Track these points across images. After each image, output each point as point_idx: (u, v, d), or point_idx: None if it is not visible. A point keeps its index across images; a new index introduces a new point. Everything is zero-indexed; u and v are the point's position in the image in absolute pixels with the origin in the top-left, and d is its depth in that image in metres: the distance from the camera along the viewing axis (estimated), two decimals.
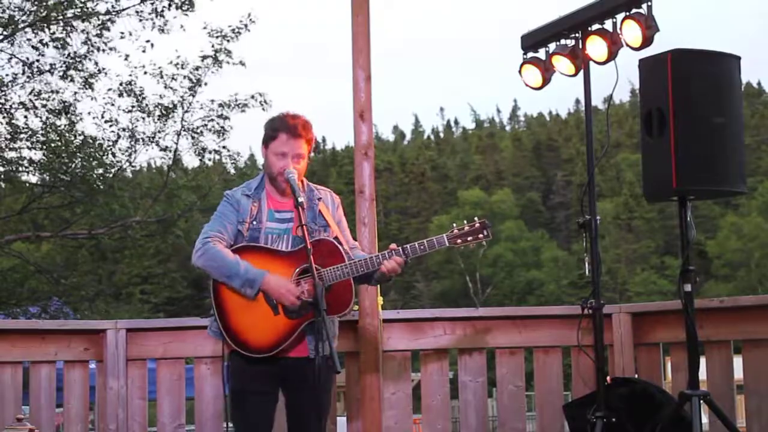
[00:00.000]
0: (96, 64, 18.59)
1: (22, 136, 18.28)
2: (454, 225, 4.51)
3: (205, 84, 19.04)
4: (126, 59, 18.67)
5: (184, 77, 18.96)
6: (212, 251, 4.44)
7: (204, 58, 18.99)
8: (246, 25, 19.23)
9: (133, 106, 18.85)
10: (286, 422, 4.64)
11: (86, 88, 18.48)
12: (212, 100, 19.33)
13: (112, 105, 18.86)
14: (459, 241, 4.48)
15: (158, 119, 18.96)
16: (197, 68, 18.97)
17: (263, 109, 19.53)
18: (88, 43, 18.39)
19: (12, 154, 18.53)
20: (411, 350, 5.88)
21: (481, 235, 4.48)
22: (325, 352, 4.15)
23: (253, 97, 19.47)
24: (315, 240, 4.44)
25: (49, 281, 19.86)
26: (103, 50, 18.52)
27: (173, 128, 19.17)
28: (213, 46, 19.04)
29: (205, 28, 19.10)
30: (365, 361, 5.67)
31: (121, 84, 18.74)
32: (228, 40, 19.11)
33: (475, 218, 4.54)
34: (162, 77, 18.87)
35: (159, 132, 19.10)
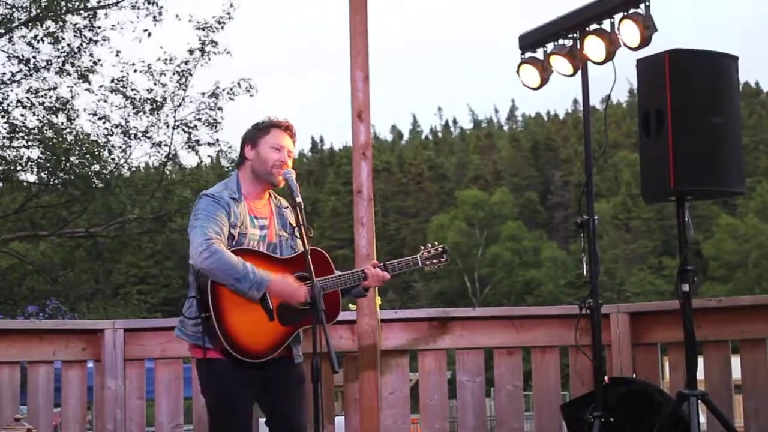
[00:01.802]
0: (91, 56, 18.65)
1: (19, 134, 18.29)
2: (422, 247, 4.80)
3: (191, 75, 19.07)
4: (117, 55, 18.75)
5: (174, 72, 19.01)
6: (220, 254, 4.33)
7: (192, 51, 19.04)
8: (229, 14, 19.28)
9: (125, 104, 18.90)
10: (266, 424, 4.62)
11: (83, 82, 18.50)
12: (203, 93, 19.40)
13: (105, 101, 18.92)
14: (428, 262, 4.79)
15: (150, 113, 19.00)
16: (186, 62, 19.01)
17: (250, 94, 19.60)
18: (80, 35, 18.42)
19: (10, 153, 18.56)
20: (409, 350, 5.88)
21: (442, 259, 4.81)
22: (324, 351, 4.15)
23: (238, 84, 19.52)
24: (310, 249, 4.43)
25: (47, 281, 19.86)
26: (96, 41, 18.57)
27: (166, 122, 19.24)
28: (200, 39, 19.10)
29: (190, 20, 19.16)
30: (363, 361, 5.66)
31: (112, 80, 18.79)
32: (213, 31, 19.16)
33: (436, 242, 4.86)
34: (152, 75, 18.93)
35: (151, 126, 19.16)
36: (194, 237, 4.40)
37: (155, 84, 18.96)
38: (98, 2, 18.68)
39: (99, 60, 18.75)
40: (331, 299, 4.50)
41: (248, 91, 19.59)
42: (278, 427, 4.58)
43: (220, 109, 19.42)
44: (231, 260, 4.35)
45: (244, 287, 4.33)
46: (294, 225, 4.61)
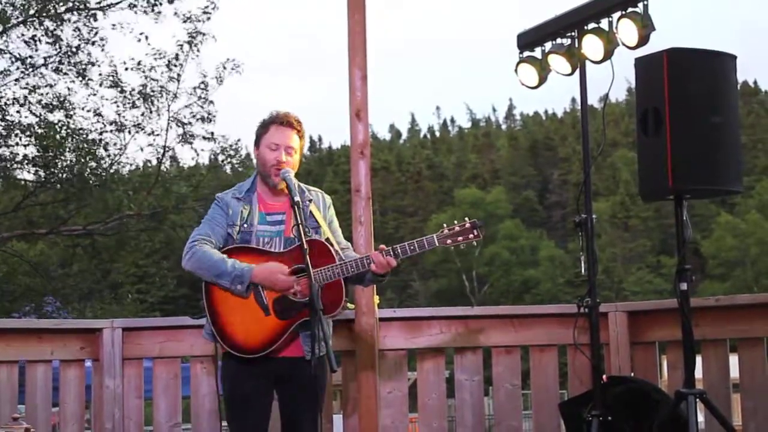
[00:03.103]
0: (89, 55, 18.68)
1: (16, 132, 18.29)
2: (445, 225, 4.50)
3: (181, 66, 19.11)
4: (103, 50, 18.82)
5: (166, 65, 19.06)
6: (199, 253, 4.42)
7: (182, 45, 19.07)
8: (214, 4, 19.29)
9: (117, 98, 18.94)
10: (280, 422, 4.63)
11: (80, 78, 18.51)
12: (195, 88, 19.44)
13: (95, 95, 18.96)
14: (449, 241, 4.47)
15: (143, 104, 19.03)
16: (176, 56, 19.05)
17: (237, 72, 19.67)
18: (79, 35, 18.44)
19: (5, 150, 18.56)
20: (407, 349, 5.88)
21: (471, 235, 4.47)
22: (322, 352, 4.13)
23: (224, 66, 19.56)
24: (306, 240, 4.39)
25: (43, 279, 19.85)
26: (94, 42, 18.59)
27: (158, 112, 19.29)
28: (188, 32, 19.13)
29: (176, 14, 19.19)
30: (362, 360, 5.67)
31: (100, 74, 18.85)
32: (200, 21, 19.20)
33: (466, 218, 4.53)
34: (143, 71, 18.96)
35: (142, 116, 19.19)
36: (187, 242, 4.54)
37: (146, 78, 19.01)
38: (98, 2, 18.68)
39: (97, 61, 18.79)
40: (334, 289, 4.43)
41: (234, 69, 19.66)
42: (286, 426, 4.59)
43: (212, 102, 19.48)
44: (211, 258, 4.40)
45: (226, 283, 4.38)
46: (316, 218, 4.59)
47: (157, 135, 19.42)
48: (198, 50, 19.17)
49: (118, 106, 19.04)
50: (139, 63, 18.94)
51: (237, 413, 4.51)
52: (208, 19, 19.24)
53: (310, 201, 4.64)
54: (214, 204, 4.62)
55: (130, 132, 19.19)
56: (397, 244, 4.47)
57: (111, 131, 19.05)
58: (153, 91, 19.03)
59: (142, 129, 19.26)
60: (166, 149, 19.78)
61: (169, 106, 19.27)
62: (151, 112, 19.16)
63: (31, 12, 18.03)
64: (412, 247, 4.44)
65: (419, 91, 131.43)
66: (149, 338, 5.82)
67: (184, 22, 19.10)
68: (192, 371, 5.78)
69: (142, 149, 20.17)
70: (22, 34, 18.28)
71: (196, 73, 19.80)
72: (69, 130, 18.48)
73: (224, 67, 19.61)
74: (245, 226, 4.53)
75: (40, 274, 19.95)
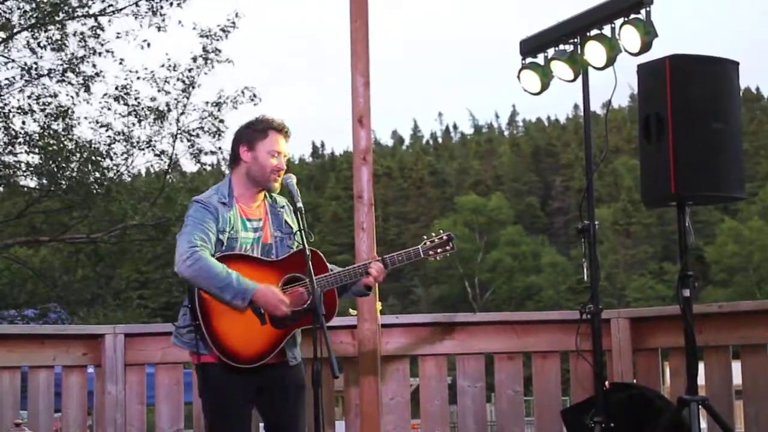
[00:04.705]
0: (94, 66, 18.65)
1: (19, 140, 18.29)
2: (425, 237, 4.71)
3: (199, 86, 19.10)
4: (120, 63, 18.73)
5: (177, 80, 19.01)
6: (202, 261, 4.30)
7: (195, 58, 19.04)
8: (234, 23, 19.29)
9: (128, 112, 18.88)
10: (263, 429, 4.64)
11: (84, 90, 18.48)
12: (207, 102, 19.41)
13: (109, 109, 18.91)
14: (431, 252, 4.68)
15: (153, 122, 19.01)
16: (190, 69, 19.00)
17: (254, 103, 19.59)
18: (84, 45, 18.42)
19: (9, 158, 18.55)
20: (409, 355, 5.88)
21: (447, 247, 4.71)
22: (325, 356, 4.14)
23: (242, 92, 19.51)
24: (299, 249, 4.41)
25: (46, 285, 19.84)
26: (100, 53, 18.57)
27: (169, 130, 19.24)
28: (204, 47, 19.09)
29: (194, 28, 19.17)
30: (364, 366, 5.66)
31: (116, 88, 18.79)
32: (218, 39, 19.17)
33: (441, 230, 4.76)
34: (155, 82, 18.92)
35: (155, 135, 19.16)
36: (179, 244, 4.40)
37: (159, 91, 18.97)
38: (101, 10, 18.65)
39: (101, 71, 18.75)
40: (327, 298, 4.45)
41: (252, 99, 19.60)
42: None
43: (221, 121, 19.41)
44: (214, 268, 4.30)
45: (227, 297, 4.30)
46: (291, 225, 4.61)
47: (168, 157, 19.41)
48: (212, 66, 19.15)
49: (129, 122, 19.01)
50: (152, 74, 18.91)
51: (222, 421, 4.46)
52: (226, 37, 19.22)
53: (282, 208, 4.66)
54: (200, 207, 4.47)
55: (141, 148, 19.15)
56: (386, 255, 4.65)
57: (119, 141, 19.02)
58: (166, 107, 18.98)
59: (152, 148, 19.25)
60: (172, 164, 19.76)
61: (178, 118, 19.25)
62: (161, 128, 19.15)
63: (35, 20, 18.01)
64: (400, 258, 4.65)
65: (422, 96, 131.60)
66: (151, 344, 5.82)
67: (202, 37, 19.09)
68: (193, 377, 5.77)
69: (151, 165, 20.13)
70: (28, 42, 18.29)
71: (209, 86, 19.56)
72: (73, 141, 18.47)
73: (242, 93, 19.56)
74: (232, 232, 4.47)
75: (43, 281, 19.95)
